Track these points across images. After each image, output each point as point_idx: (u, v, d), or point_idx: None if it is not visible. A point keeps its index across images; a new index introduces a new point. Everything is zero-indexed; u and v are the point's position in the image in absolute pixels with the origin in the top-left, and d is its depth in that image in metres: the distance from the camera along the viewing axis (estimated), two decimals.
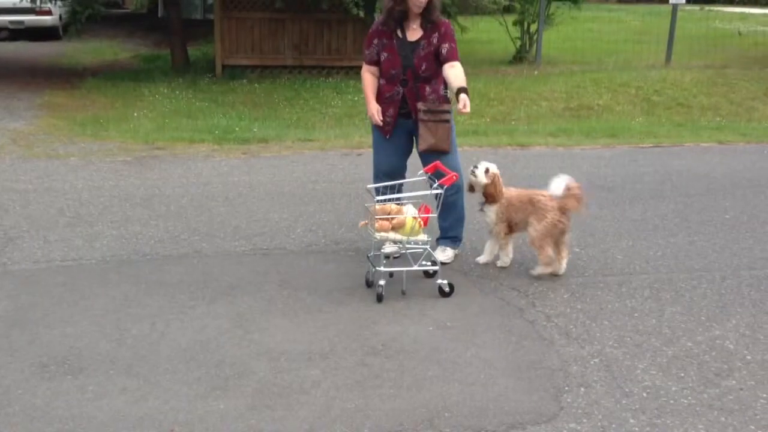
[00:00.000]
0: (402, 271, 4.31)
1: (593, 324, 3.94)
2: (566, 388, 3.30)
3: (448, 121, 4.55)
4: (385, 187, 4.51)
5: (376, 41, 4.61)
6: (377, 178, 4.75)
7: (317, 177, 6.89)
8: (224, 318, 3.94)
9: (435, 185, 4.24)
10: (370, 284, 4.34)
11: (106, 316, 3.93)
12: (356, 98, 11.38)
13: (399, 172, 4.76)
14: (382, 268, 4.18)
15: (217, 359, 3.51)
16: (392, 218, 4.18)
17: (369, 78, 4.69)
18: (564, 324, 3.93)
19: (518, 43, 14.65)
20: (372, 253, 4.34)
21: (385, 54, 4.60)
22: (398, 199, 4.40)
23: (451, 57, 4.50)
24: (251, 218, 5.61)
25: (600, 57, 14.28)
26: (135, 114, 9.86)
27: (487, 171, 4.50)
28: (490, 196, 4.60)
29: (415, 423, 3.03)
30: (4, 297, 4.12)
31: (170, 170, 7.01)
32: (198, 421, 3.02)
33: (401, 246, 4.25)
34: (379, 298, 4.15)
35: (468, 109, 4.36)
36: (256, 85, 12.16)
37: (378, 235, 4.19)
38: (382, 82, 4.65)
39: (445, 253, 4.82)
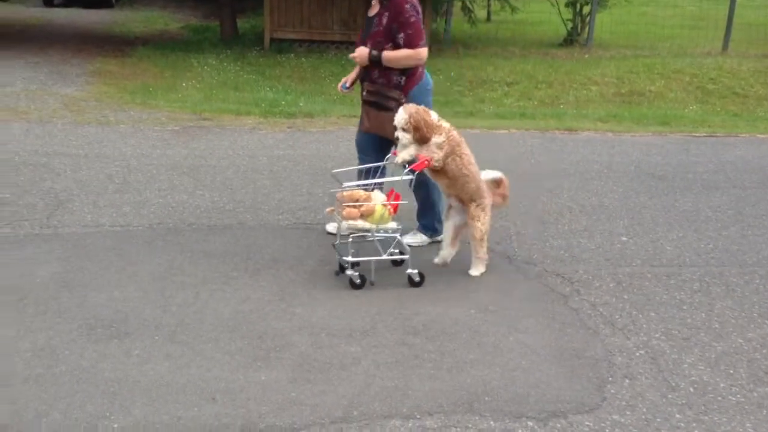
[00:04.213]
0: (370, 260, 4.10)
1: (640, 315, 3.86)
2: (610, 379, 3.24)
3: (390, 109, 4.26)
4: (366, 172, 4.36)
5: None
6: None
7: None
8: (266, 290, 3.95)
9: (406, 170, 4.03)
10: (342, 270, 4.13)
11: (152, 282, 3.98)
12: None
13: (363, 145, 4.61)
14: (350, 258, 4.00)
15: (259, 331, 3.53)
16: (360, 205, 3.97)
17: None
18: (609, 313, 3.86)
19: (569, 25, 14.35)
20: (338, 242, 4.13)
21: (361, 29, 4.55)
22: (366, 184, 4.17)
23: (407, 48, 4.26)
24: (295, 192, 5.62)
25: (653, 42, 13.92)
26: (183, 84, 9.95)
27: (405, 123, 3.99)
28: (420, 138, 4.01)
29: (455, 405, 3.01)
30: (54, 259, 4.20)
31: (216, 141, 7.05)
32: (239, 390, 3.05)
33: (370, 234, 4.05)
34: (353, 285, 3.99)
35: (354, 54, 4.35)
36: (303, 59, 12.16)
37: (345, 224, 3.98)
38: None
39: (414, 237, 4.68)
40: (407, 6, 4.24)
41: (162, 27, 16.86)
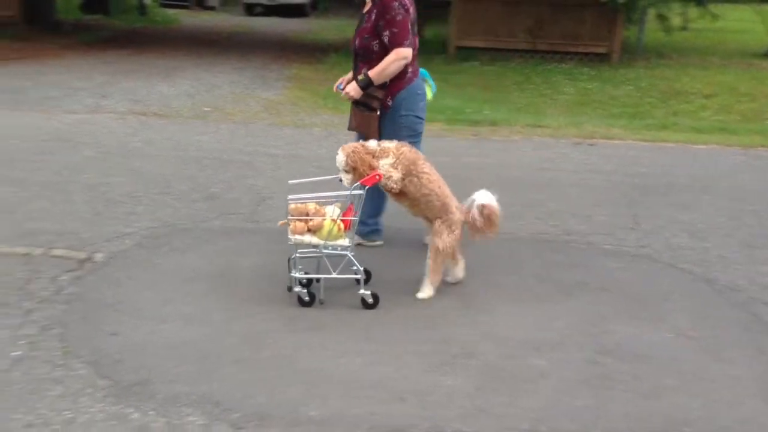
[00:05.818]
0: (321, 278, 3.87)
1: None
2: None
3: (374, 109, 4.23)
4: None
5: None
6: None
7: (547, 164, 6.75)
8: (452, 296, 3.98)
9: (356, 185, 3.78)
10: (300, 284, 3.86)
11: None
12: (590, 86, 10.97)
13: None
14: (297, 274, 3.80)
15: (446, 336, 3.57)
16: (308, 219, 3.77)
17: None
18: None
19: None
20: (294, 256, 3.86)
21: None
22: (315, 198, 3.88)
23: (391, 46, 4.14)
24: None
25: None
26: None
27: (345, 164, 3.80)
28: (360, 177, 3.76)
29: None
30: (256, 252, 4.51)
31: None
32: (427, 393, 3.10)
33: (319, 251, 3.81)
34: (301, 303, 3.80)
35: (344, 93, 4.26)
36: (486, 67, 12.16)
37: (293, 238, 3.76)
38: None
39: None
40: (395, 4, 4.12)
41: (352, 35, 17.60)
